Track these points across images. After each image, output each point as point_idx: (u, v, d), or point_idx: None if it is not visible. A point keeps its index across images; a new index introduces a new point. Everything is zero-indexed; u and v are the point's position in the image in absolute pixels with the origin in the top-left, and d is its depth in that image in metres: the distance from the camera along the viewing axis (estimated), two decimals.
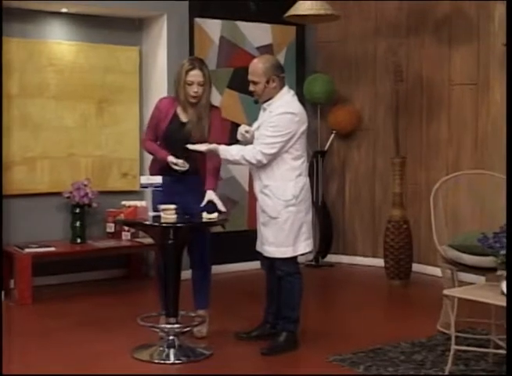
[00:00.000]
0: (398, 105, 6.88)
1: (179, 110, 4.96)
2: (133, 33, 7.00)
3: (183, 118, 4.95)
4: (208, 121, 4.93)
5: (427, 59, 7.14)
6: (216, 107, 5.15)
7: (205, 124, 4.91)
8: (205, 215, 4.69)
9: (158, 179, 4.74)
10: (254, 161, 4.65)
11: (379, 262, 7.20)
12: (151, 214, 4.70)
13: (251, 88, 4.76)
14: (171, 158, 4.85)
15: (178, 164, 4.83)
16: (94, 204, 6.55)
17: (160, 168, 4.96)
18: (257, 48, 7.38)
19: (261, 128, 4.73)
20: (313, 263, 7.56)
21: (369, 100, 7.60)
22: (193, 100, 4.88)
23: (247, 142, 4.83)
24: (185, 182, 4.92)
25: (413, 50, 7.23)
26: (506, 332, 3.74)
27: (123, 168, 6.98)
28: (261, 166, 4.69)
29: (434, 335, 5.06)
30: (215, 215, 4.71)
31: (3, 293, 6.07)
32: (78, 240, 6.50)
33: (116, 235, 6.70)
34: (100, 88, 6.84)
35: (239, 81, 7.08)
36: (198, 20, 7.05)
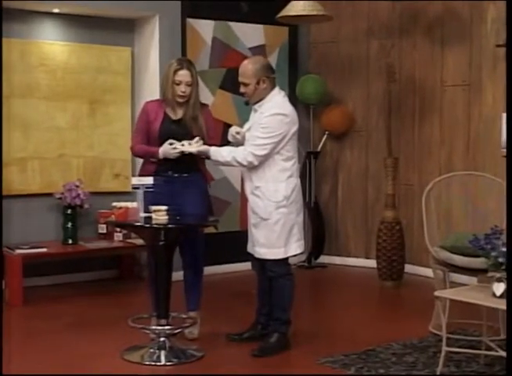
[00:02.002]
0: (391, 106, 6.88)
1: (168, 111, 4.99)
2: (125, 33, 6.99)
3: (173, 117, 4.98)
4: (202, 119, 4.96)
5: (420, 59, 7.15)
6: (205, 105, 5.20)
7: (201, 122, 4.95)
8: (185, 145, 4.73)
9: (149, 180, 4.73)
10: (245, 163, 4.64)
11: (371, 263, 7.20)
12: (142, 215, 4.69)
13: (242, 89, 4.76)
14: (162, 147, 4.82)
15: (173, 142, 4.79)
16: (86, 205, 6.53)
17: (156, 169, 4.94)
18: (250, 49, 7.38)
19: (252, 130, 4.73)
20: (306, 264, 7.56)
21: (362, 101, 7.61)
22: (181, 100, 4.92)
23: (238, 143, 4.83)
24: (186, 183, 4.94)
25: (406, 51, 7.24)
26: (507, 334, 3.74)
27: (115, 168, 6.97)
28: (252, 167, 4.68)
29: (426, 337, 5.06)
30: (194, 145, 4.73)
31: None
32: (70, 241, 6.48)
33: (108, 236, 6.68)
34: (92, 88, 6.83)
35: (232, 82, 7.01)
36: (190, 21, 7.04)
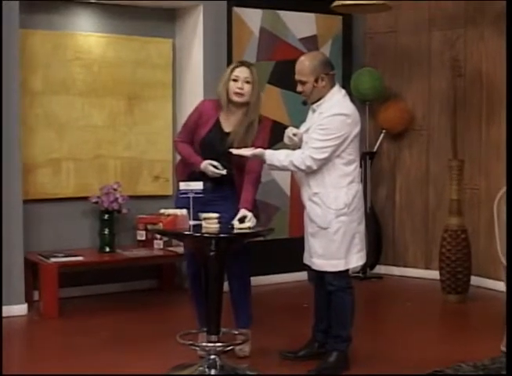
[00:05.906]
0: (456, 102, 6.90)
1: (222, 118, 5.04)
2: (166, 24, 7.10)
3: (226, 127, 5.03)
4: (254, 132, 5.00)
5: (488, 52, 7.16)
6: (267, 119, 5.21)
7: (251, 135, 4.98)
8: (236, 225, 4.77)
9: (199, 185, 4.80)
10: (303, 167, 4.70)
11: (432, 274, 7.25)
12: (191, 223, 4.77)
13: (299, 88, 4.83)
14: (205, 163, 4.93)
15: (219, 167, 4.91)
16: (124, 210, 6.64)
17: (191, 173, 5.06)
18: (301, 40, 7.47)
19: (310, 131, 4.78)
20: (360, 275, 7.57)
21: (423, 97, 7.64)
22: (237, 98, 4.95)
23: (295, 146, 4.88)
24: (219, 191, 5.02)
25: (472, 42, 7.26)
26: (507, 334, 3.78)
27: (154, 170, 7.08)
28: (310, 172, 4.74)
29: (498, 357, 5.04)
30: (248, 224, 4.78)
31: (27, 305, 6.19)
32: (107, 249, 6.59)
33: (147, 243, 6.80)
34: (130, 83, 6.95)
35: (281, 76, 7.18)
36: (236, 10, 7.14)
